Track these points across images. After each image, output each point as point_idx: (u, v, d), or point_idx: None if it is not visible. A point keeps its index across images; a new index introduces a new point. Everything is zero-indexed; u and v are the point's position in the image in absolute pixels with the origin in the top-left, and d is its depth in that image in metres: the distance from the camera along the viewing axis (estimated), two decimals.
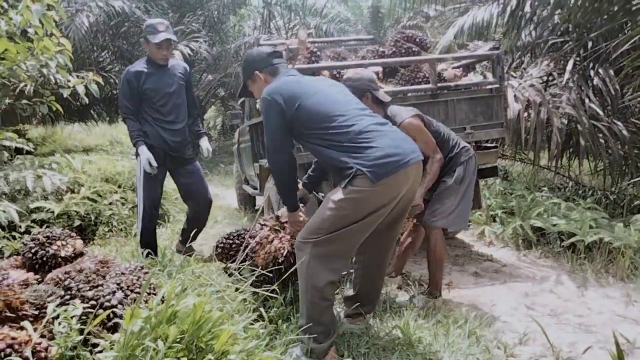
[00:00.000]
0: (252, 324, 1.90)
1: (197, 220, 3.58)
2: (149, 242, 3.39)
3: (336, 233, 2.05)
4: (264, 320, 2.08)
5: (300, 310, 2.17)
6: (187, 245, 3.44)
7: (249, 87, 2.47)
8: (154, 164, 3.21)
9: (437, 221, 3.00)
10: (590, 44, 5.09)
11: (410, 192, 2.19)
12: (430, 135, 2.98)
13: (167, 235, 4.68)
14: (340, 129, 2.09)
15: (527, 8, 5.46)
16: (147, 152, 3.23)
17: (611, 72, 4.84)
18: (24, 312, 1.80)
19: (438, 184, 3.07)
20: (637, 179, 4.72)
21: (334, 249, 2.08)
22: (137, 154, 3.32)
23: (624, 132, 4.54)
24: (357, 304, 2.46)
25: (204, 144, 3.63)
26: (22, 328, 1.68)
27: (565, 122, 4.71)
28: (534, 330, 2.62)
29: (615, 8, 4.45)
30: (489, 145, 4.35)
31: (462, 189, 3.03)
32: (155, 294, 1.99)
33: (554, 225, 4.17)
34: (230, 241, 2.91)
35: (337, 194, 2.05)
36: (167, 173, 3.51)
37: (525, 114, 4.77)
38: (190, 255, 2.97)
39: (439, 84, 3.77)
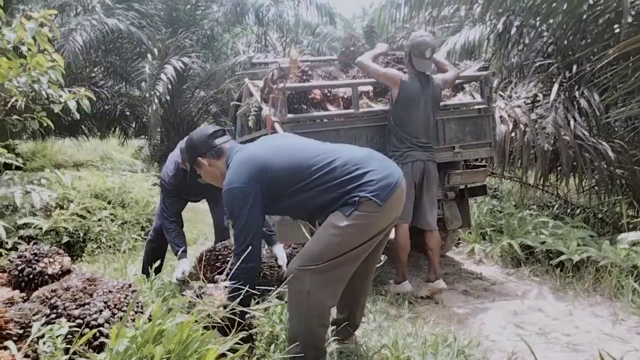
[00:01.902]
0: (240, 344, 1.89)
1: None
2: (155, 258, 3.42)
3: (338, 259, 2.02)
4: (252, 340, 2.07)
5: (290, 335, 2.11)
6: None
7: (197, 171, 2.34)
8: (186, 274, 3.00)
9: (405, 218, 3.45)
10: (575, 65, 5.21)
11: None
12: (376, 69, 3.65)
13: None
14: (324, 169, 2.05)
15: (514, 30, 5.59)
16: (186, 264, 3.03)
17: (595, 94, 4.95)
18: (8, 332, 1.78)
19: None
20: (620, 198, 4.79)
21: (335, 274, 2.05)
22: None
23: (609, 151, 4.62)
24: (346, 323, 2.46)
25: (280, 253, 3.00)
26: (5, 348, 1.66)
27: (551, 142, 4.79)
28: (523, 349, 2.62)
29: (596, 30, 4.58)
30: (477, 164, 4.40)
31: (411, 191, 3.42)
32: (142, 313, 1.97)
33: (542, 243, 4.21)
34: (217, 253, 2.88)
35: (342, 221, 2.00)
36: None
37: (513, 134, 4.85)
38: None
39: None
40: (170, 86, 8.89)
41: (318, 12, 11.63)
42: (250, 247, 2.03)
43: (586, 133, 4.86)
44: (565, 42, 5.11)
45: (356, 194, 1.99)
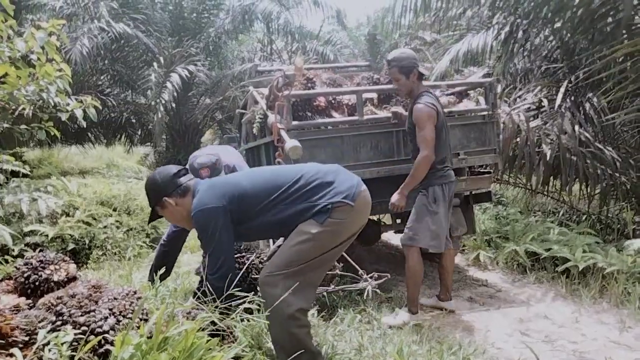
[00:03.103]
0: (245, 351, 1.89)
1: None
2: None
3: (308, 263, 2.08)
4: (257, 348, 2.07)
5: (274, 342, 2.12)
6: None
7: (158, 212, 2.30)
8: None
9: (417, 241, 3.16)
10: (580, 70, 5.20)
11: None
12: (432, 131, 3.09)
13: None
14: (292, 182, 2.12)
15: (520, 34, 5.59)
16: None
17: (601, 99, 4.93)
18: (14, 339, 1.79)
19: (412, 194, 3.23)
20: (624, 204, 4.76)
21: (306, 279, 2.11)
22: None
23: (615, 157, 4.60)
24: None
25: None
26: (11, 355, 1.67)
27: (555, 148, 4.77)
28: (528, 357, 2.60)
29: (602, 33, 4.57)
30: (482, 170, 4.39)
31: (437, 210, 3.17)
32: (147, 320, 1.98)
33: (548, 250, 4.19)
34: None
35: (313, 227, 2.06)
36: None
37: (517, 140, 4.84)
38: None
39: None
40: (175, 94, 8.96)
41: (324, 11, 11.60)
42: (224, 269, 2.07)
43: (591, 138, 4.84)
44: (572, 45, 5.10)
45: (327, 201, 2.07)
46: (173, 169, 2.26)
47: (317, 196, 2.10)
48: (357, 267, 3.01)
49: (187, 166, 3.20)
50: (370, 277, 2.90)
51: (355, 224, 2.17)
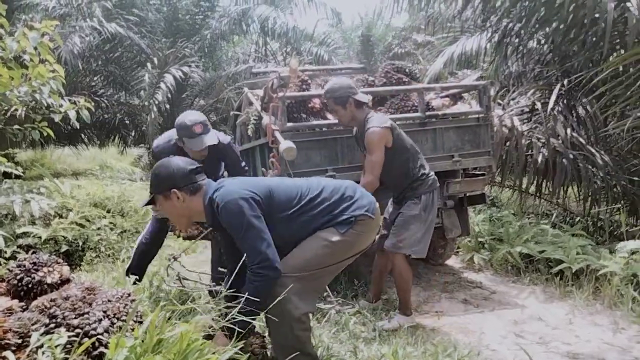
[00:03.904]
0: (239, 354, 1.88)
1: None
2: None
3: (321, 270, 2.12)
4: (251, 350, 2.07)
5: (276, 345, 2.12)
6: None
7: (157, 201, 2.17)
8: None
9: (403, 248, 3.15)
10: (573, 74, 5.24)
11: None
12: (381, 157, 3.08)
13: (155, 261, 4.63)
14: (315, 198, 2.14)
15: (513, 37, 5.62)
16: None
17: (594, 103, 4.97)
18: (7, 341, 1.77)
19: (401, 207, 3.21)
20: (619, 206, 4.79)
21: (315, 284, 2.15)
22: None
23: (607, 160, 4.64)
24: None
25: None
26: (4, 358, 1.65)
27: (547, 151, 4.81)
28: (523, 358, 2.62)
29: (594, 38, 4.61)
30: (477, 172, 4.41)
31: (428, 217, 3.18)
32: (141, 322, 1.97)
33: (542, 252, 4.21)
34: None
35: (334, 236, 2.11)
36: None
37: (507, 143, 4.88)
38: None
39: (427, 113, 3.84)
40: (169, 95, 8.93)
41: (318, 11, 11.64)
42: (268, 256, 1.97)
43: (583, 141, 4.88)
44: (563, 49, 5.14)
45: (351, 213, 2.12)
46: (190, 163, 2.17)
47: (339, 208, 2.14)
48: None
49: (176, 127, 3.08)
50: (336, 301, 2.98)
51: (369, 238, 2.25)
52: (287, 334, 2.07)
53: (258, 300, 1.91)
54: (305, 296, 2.07)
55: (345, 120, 3.28)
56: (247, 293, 1.92)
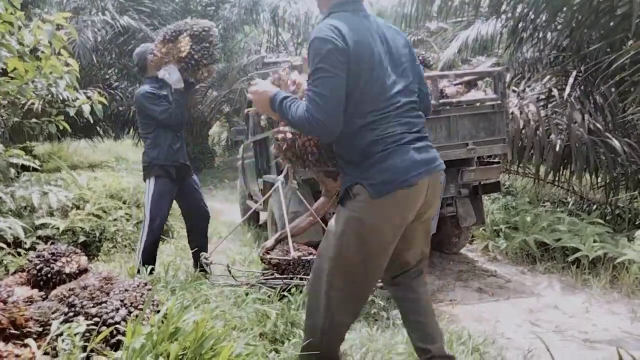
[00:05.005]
0: (254, 341, 1.90)
1: (201, 234, 3.65)
2: (151, 258, 3.40)
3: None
4: (267, 337, 2.09)
5: (310, 326, 1.96)
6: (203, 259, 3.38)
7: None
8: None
9: None
10: (590, 59, 5.13)
11: None
12: None
13: (170, 251, 4.69)
14: (385, 119, 1.75)
15: (528, 23, 5.51)
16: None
17: (612, 88, 4.87)
18: (28, 329, 1.81)
19: None
20: (637, 193, 4.70)
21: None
22: (146, 177, 3.42)
23: (625, 147, 4.55)
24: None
25: None
26: (26, 345, 1.70)
27: (565, 138, 4.72)
28: (538, 347, 2.60)
29: (612, 23, 4.50)
30: (491, 160, 4.36)
31: None
32: (158, 311, 2.00)
33: (558, 240, 4.16)
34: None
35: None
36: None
37: (526, 130, 4.80)
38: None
39: (441, 100, 3.80)
40: None
41: None
42: (329, 114, 1.65)
43: (601, 128, 4.79)
44: (580, 34, 5.02)
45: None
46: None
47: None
48: None
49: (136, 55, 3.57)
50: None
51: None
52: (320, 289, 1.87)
53: (289, 118, 1.75)
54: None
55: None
56: (293, 110, 1.74)
